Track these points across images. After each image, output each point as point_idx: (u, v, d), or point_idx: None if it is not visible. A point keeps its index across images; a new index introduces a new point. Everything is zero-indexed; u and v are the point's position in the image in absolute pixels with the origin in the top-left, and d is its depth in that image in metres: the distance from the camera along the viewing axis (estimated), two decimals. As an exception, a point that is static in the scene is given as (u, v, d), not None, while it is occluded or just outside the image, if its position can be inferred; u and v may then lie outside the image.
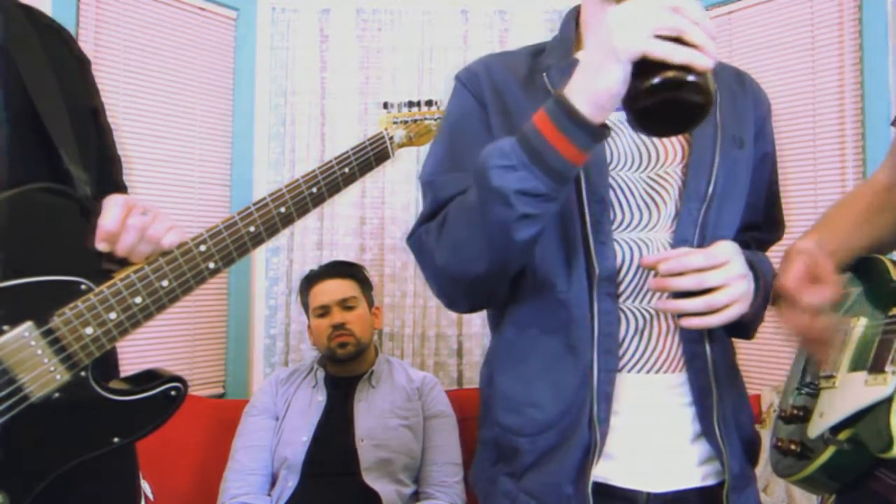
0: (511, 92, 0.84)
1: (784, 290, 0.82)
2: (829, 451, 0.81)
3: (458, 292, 0.82)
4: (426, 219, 0.83)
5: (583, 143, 0.66)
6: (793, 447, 0.86)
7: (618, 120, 0.81)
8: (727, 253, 0.74)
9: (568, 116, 0.65)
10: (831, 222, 0.96)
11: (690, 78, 0.59)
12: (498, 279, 0.79)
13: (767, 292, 0.83)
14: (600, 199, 0.78)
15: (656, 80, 0.60)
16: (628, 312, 0.79)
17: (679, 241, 0.80)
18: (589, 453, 0.76)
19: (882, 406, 0.74)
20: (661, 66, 0.60)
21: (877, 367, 0.77)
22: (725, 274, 0.73)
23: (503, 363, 0.85)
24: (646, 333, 0.79)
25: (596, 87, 0.63)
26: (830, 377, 0.85)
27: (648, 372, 0.79)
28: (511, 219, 0.69)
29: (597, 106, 0.64)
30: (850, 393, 0.80)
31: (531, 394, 0.80)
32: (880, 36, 1.88)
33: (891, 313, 0.82)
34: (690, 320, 0.73)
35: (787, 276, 0.82)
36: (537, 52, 0.89)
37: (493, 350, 0.88)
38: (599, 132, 0.66)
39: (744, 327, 0.83)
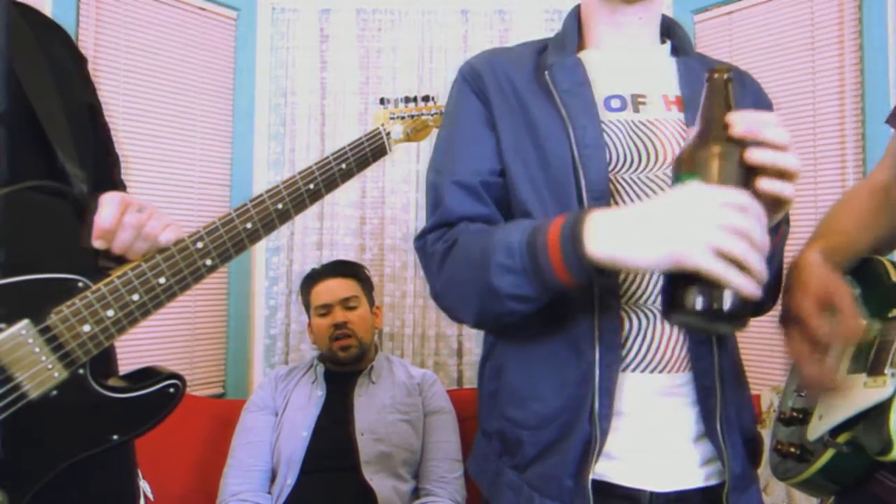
0: (516, 91, 0.83)
1: (800, 314, 0.79)
2: (829, 454, 0.80)
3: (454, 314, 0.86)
4: (435, 227, 0.83)
5: (582, 279, 0.70)
6: (792, 450, 0.86)
7: (616, 120, 0.81)
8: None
9: (577, 256, 0.67)
10: (833, 227, 0.95)
11: (729, 308, 0.59)
12: (489, 326, 0.86)
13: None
14: (600, 196, 0.78)
15: (698, 306, 0.60)
16: (630, 313, 0.79)
17: None
18: (589, 448, 0.76)
19: (881, 408, 0.73)
20: (707, 287, 0.59)
21: (876, 370, 0.76)
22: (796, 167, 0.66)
23: (512, 357, 0.85)
24: (648, 333, 0.79)
25: (623, 253, 0.65)
26: None
27: (652, 371, 0.79)
28: (503, 311, 0.76)
29: (612, 262, 0.67)
30: (849, 395, 0.79)
31: (536, 388, 0.81)
32: (880, 36, 1.88)
33: (890, 315, 0.81)
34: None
35: (802, 295, 0.80)
36: (541, 48, 0.89)
37: (498, 345, 0.88)
38: (600, 273, 0.69)
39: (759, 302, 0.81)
